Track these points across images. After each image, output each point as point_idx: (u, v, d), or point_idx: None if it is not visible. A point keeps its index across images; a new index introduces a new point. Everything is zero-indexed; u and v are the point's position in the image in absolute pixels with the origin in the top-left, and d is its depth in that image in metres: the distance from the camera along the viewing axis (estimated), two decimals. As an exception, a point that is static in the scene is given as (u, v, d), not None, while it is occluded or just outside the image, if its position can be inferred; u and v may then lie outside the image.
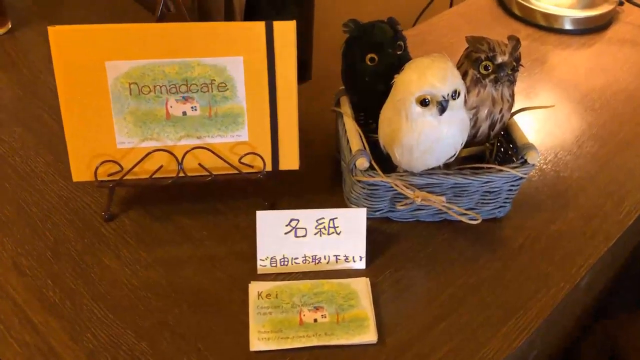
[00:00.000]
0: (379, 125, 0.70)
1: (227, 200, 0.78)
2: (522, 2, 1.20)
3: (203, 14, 1.34)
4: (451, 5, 1.36)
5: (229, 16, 1.38)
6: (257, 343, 0.63)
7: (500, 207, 0.77)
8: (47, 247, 0.72)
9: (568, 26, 1.18)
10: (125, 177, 0.71)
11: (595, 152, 0.90)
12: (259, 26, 0.69)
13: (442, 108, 0.63)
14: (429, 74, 0.62)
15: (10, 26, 1.08)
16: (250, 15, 1.43)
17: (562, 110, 0.99)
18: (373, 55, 0.72)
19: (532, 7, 1.19)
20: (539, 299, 0.69)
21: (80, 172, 0.72)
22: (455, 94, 0.64)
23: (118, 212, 0.76)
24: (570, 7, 1.18)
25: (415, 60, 0.65)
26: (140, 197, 0.78)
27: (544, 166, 0.87)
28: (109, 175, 0.71)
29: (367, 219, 0.76)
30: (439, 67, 0.62)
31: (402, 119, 0.65)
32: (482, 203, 0.76)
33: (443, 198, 0.69)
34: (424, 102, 0.63)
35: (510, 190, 0.75)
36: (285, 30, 0.69)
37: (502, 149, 0.80)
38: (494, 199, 0.76)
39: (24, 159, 0.83)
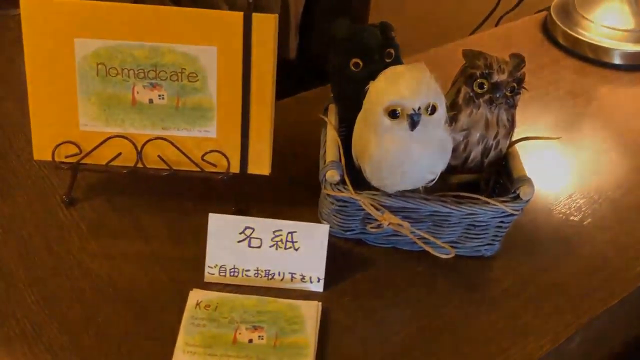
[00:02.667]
0: (353, 137, 0.64)
1: (197, 200, 0.74)
2: (569, 31, 1.10)
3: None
4: (497, 24, 1.28)
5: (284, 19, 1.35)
6: (181, 356, 0.57)
7: (488, 244, 0.68)
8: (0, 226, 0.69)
9: (617, 60, 1.07)
10: (83, 161, 0.68)
11: (616, 200, 0.79)
12: (237, 16, 0.64)
13: (413, 122, 0.56)
14: (399, 83, 0.55)
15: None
16: (305, 20, 1.40)
17: (588, 148, 0.89)
18: (357, 60, 0.66)
19: (579, 37, 1.09)
20: (509, 356, 0.60)
21: (41, 150, 0.69)
22: (430, 109, 0.56)
23: (82, 198, 0.73)
24: (621, 39, 1.07)
25: (390, 68, 0.59)
26: (108, 185, 0.74)
27: (553, 206, 0.77)
28: (67, 157, 0.68)
29: (339, 238, 0.70)
30: (412, 76, 0.55)
31: (371, 131, 0.58)
32: (467, 237, 0.68)
33: (408, 224, 0.62)
34: (393, 114, 0.56)
35: (500, 226, 0.67)
36: (265, 24, 0.64)
37: (500, 181, 0.71)
38: (480, 234, 0.67)
39: (7, 133, 0.81)
